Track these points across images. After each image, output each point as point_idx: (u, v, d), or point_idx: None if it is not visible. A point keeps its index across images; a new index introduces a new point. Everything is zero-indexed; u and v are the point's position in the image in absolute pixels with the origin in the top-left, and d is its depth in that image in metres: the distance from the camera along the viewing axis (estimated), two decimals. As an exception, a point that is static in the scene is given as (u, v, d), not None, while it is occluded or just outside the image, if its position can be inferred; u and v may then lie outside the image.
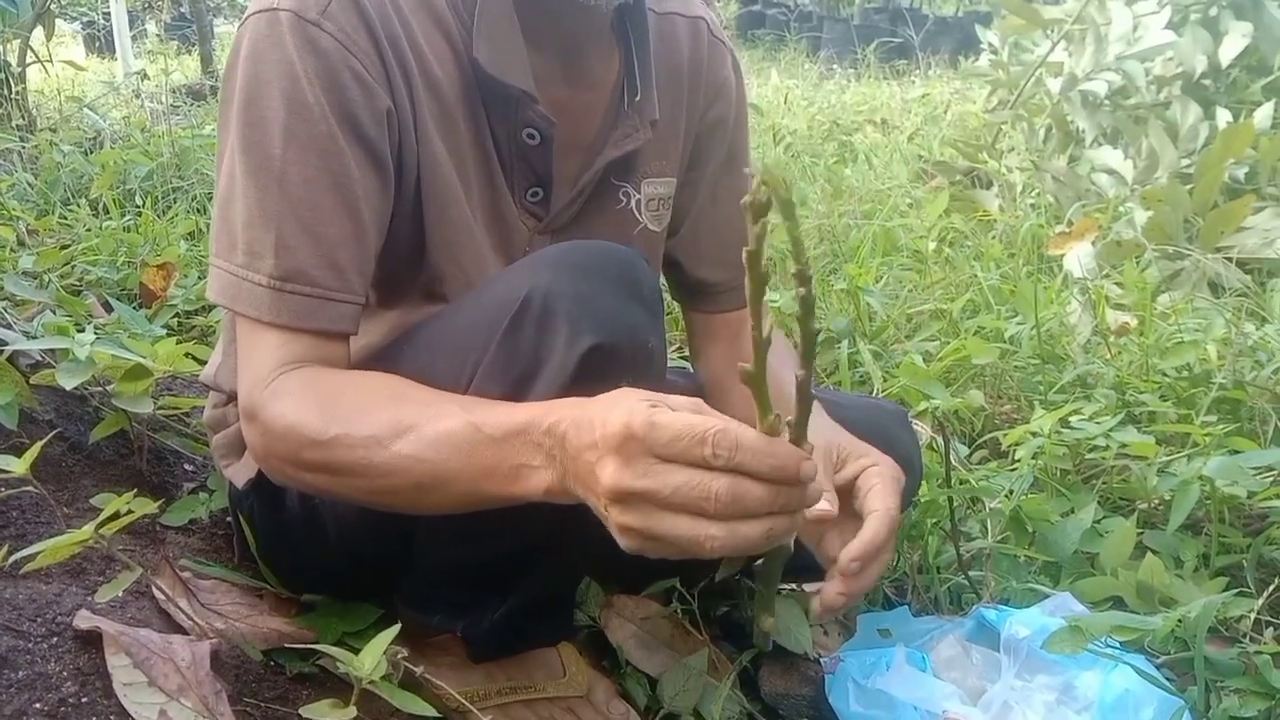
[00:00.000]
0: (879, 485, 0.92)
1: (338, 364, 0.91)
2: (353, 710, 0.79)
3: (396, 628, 0.82)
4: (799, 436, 0.70)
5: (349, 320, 0.91)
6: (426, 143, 0.94)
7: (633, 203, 1.10)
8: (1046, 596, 1.21)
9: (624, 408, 0.68)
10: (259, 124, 0.87)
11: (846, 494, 0.93)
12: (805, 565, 0.94)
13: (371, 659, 0.78)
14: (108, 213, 2.35)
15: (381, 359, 0.94)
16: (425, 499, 0.80)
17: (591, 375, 0.79)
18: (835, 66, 7.33)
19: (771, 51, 7.94)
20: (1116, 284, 2.22)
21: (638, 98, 1.05)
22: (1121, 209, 2.65)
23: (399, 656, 0.81)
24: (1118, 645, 1.09)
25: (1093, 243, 2.47)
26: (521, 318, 0.83)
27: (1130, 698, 1.02)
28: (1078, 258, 2.42)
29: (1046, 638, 1.06)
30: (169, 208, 2.51)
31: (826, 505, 0.85)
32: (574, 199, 1.05)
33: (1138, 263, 2.34)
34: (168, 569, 1.08)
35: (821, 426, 0.98)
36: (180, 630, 1.02)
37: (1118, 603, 1.25)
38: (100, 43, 7.59)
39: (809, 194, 2.90)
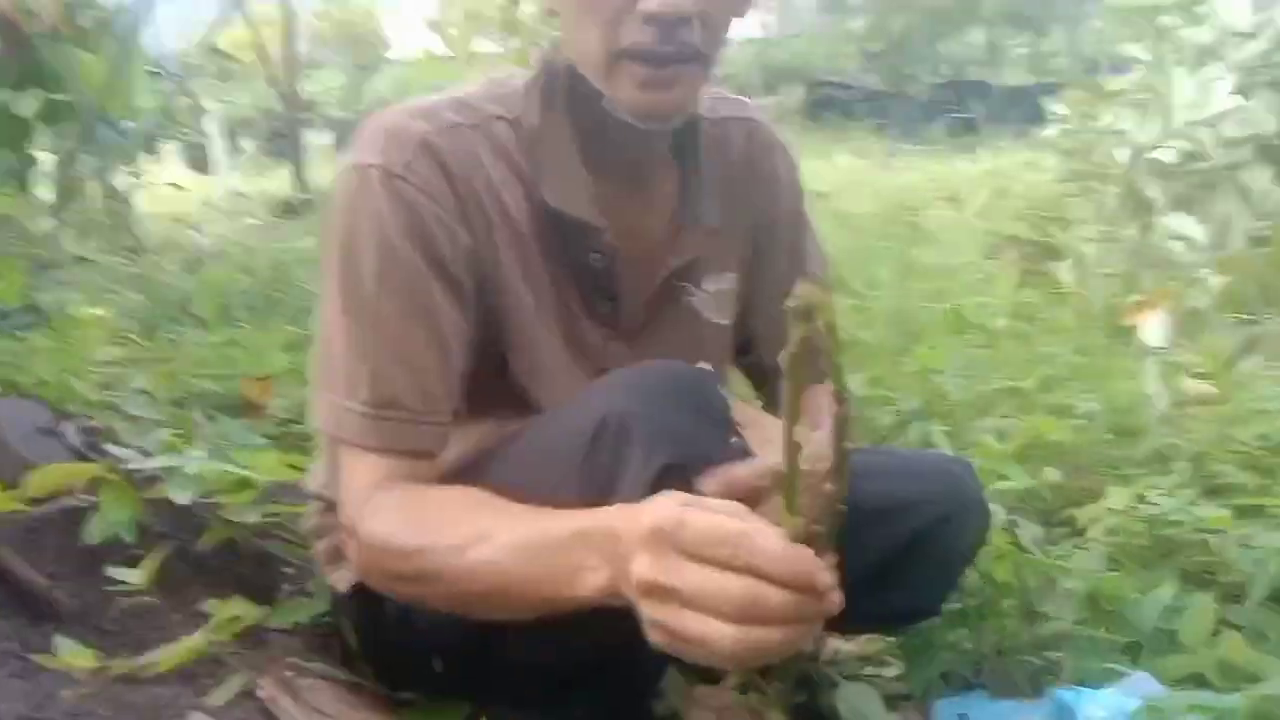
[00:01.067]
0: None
1: (429, 480, 0.99)
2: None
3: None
4: (822, 547, 0.71)
5: (438, 440, 1.00)
6: (505, 273, 1.03)
7: (698, 300, 1.17)
8: (1125, 676, 1.21)
9: (659, 505, 0.73)
10: (354, 270, 0.98)
11: None
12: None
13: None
14: (210, 328, 2.50)
15: (471, 472, 1.01)
16: (501, 604, 0.87)
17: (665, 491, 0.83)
18: (903, 145, 7.39)
19: (839, 133, 8.05)
20: (1195, 353, 2.21)
21: (698, 209, 1.13)
22: (1196, 276, 2.64)
23: None
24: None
25: (1168, 311, 2.47)
26: (599, 439, 0.89)
27: (1211, 779, 1.02)
28: (1153, 328, 2.41)
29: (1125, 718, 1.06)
30: (267, 319, 2.65)
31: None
32: (642, 307, 1.13)
33: (1213, 331, 2.32)
34: (273, 671, 1.15)
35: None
36: (284, 729, 1.09)
37: (1199, 681, 1.25)
38: (199, 158, 8.03)
39: (878, 276, 2.94)
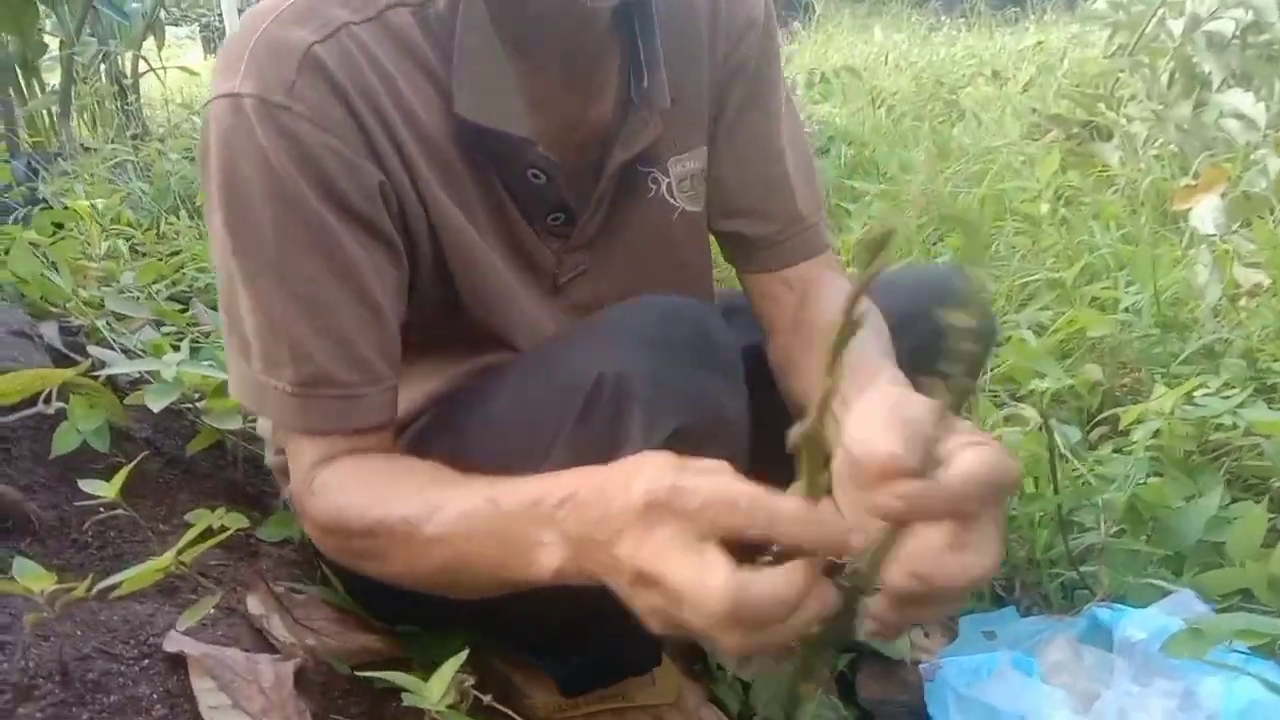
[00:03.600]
0: (971, 456, 0.62)
1: (381, 448, 0.89)
2: (421, 738, 0.78)
3: (464, 654, 0.80)
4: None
5: (382, 409, 0.88)
6: (432, 200, 0.88)
7: (664, 188, 1.02)
8: (1166, 592, 1.13)
9: (646, 474, 0.62)
10: (246, 225, 0.81)
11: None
12: None
13: (440, 686, 0.77)
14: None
15: (441, 432, 0.92)
16: (458, 582, 0.78)
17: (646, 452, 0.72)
18: (944, 18, 7.06)
19: (875, 5, 7.70)
20: (1248, 240, 2.08)
21: (644, 85, 0.94)
22: (1253, 157, 2.47)
23: (465, 684, 0.80)
24: (1244, 651, 1.01)
25: (1221, 195, 2.32)
26: (594, 403, 0.79)
27: (1258, 709, 0.95)
28: (1205, 213, 2.26)
29: (1165, 641, 0.98)
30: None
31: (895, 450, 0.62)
32: (595, 211, 0.98)
33: (1272, 215, 2.18)
34: (261, 585, 1.09)
35: (904, 397, 0.73)
36: (272, 647, 1.04)
37: (1247, 597, 1.17)
38: (217, 44, 7.84)
39: (912, 159, 2.79)
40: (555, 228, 0.96)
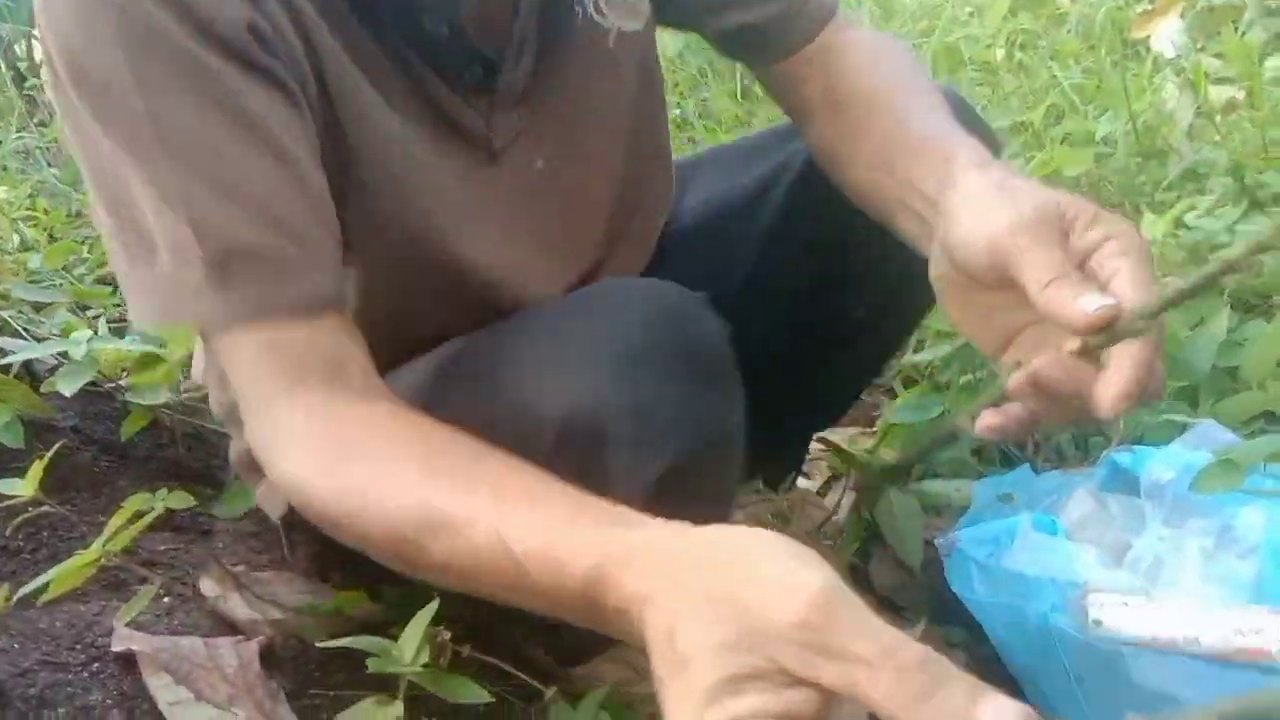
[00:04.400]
0: (1126, 270, 0.63)
1: (340, 341, 0.71)
2: (399, 707, 0.69)
3: (434, 606, 0.71)
4: None
5: (321, 278, 0.70)
6: (318, 48, 0.73)
7: (590, 7, 0.85)
8: (1186, 427, 1.06)
9: (807, 580, 0.46)
10: (107, 93, 0.66)
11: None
12: None
13: (411, 646, 0.68)
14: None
15: None
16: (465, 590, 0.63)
17: (666, 504, 0.57)
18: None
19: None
20: (1215, 56, 1.98)
21: None
22: (1209, -28, 2.36)
23: (440, 639, 0.71)
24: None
25: (1181, 16, 2.21)
26: (564, 447, 0.66)
27: (1303, 534, 0.87)
28: (1167, 36, 2.16)
29: (1194, 477, 0.91)
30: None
31: (1101, 299, 0.61)
32: (518, 55, 0.83)
33: (1236, 27, 2.07)
34: (215, 566, 1.00)
35: (1012, 189, 0.70)
36: (235, 629, 0.95)
37: (1270, 419, 1.09)
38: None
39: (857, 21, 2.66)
40: (477, 85, 0.81)
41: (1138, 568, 0.93)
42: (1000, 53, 2.19)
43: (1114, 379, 0.62)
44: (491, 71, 0.82)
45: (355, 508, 0.64)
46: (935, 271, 0.77)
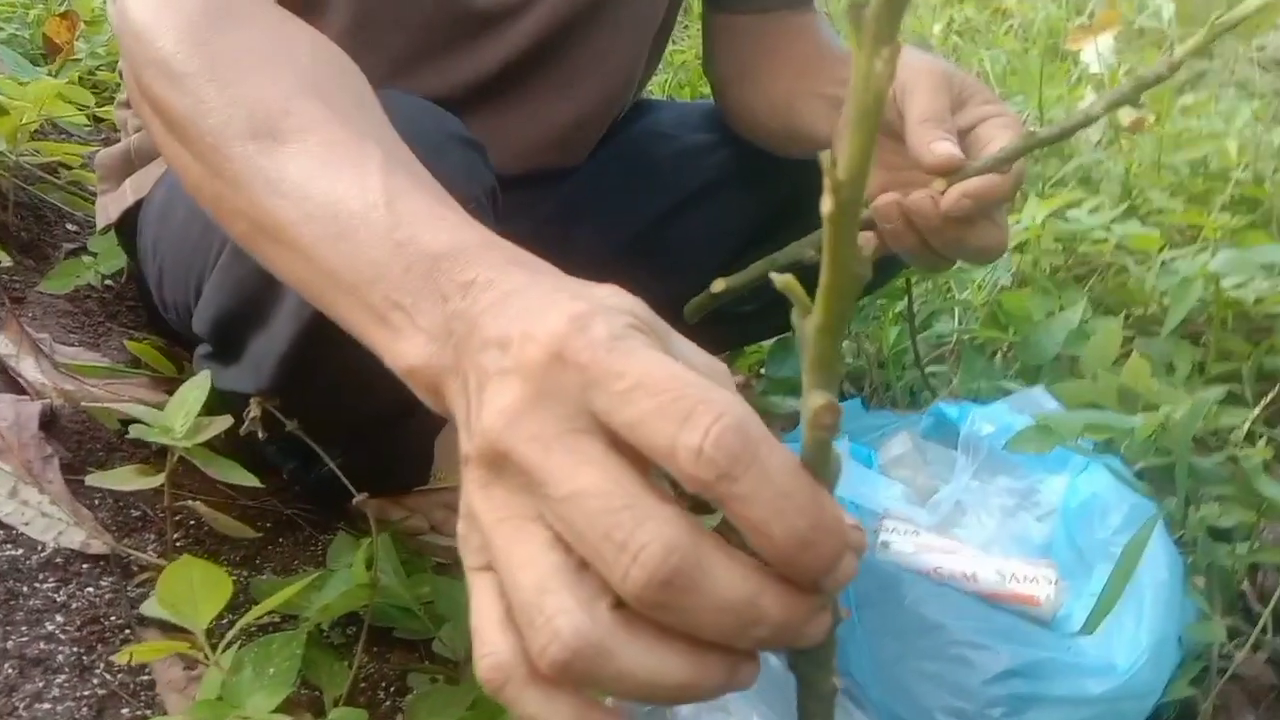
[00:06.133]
0: (1000, 140, 0.72)
1: None
2: (159, 478, 0.66)
3: (206, 377, 0.68)
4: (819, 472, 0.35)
5: None
6: None
7: None
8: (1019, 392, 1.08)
9: (576, 309, 0.35)
10: None
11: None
12: None
13: (182, 418, 0.65)
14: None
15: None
16: (262, 248, 0.51)
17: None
18: None
19: None
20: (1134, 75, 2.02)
21: None
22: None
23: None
24: (1090, 449, 0.97)
25: (1114, 37, 2.25)
26: None
27: (1097, 502, 0.90)
28: (1096, 51, 2.20)
29: (1010, 437, 0.93)
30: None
31: (953, 149, 0.70)
32: None
33: (1161, 51, 2.12)
34: (12, 323, 0.95)
35: (924, 54, 0.78)
36: (23, 392, 0.90)
37: (1095, 409, 1.12)
38: None
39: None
40: None
41: (938, 510, 0.95)
42: (938, 27, 2.20)
43: (967, 185, 0.70)
44: None
45: (205, 67, 0.54)
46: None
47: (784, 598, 0.33)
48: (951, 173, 0.70)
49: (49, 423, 0.86)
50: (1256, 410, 1.10)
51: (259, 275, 0.65)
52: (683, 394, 0.32)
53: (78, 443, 0.87)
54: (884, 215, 0.74)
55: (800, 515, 0.32)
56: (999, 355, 1.24)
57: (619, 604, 0.33)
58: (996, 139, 0.72)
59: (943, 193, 0.70)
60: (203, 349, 0.81)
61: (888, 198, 0.73)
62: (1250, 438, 1.11)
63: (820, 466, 0.35)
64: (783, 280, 0.31)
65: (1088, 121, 0.69)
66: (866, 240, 0.72)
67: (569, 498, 0.33)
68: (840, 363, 0.34)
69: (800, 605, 0.34)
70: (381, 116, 0.54)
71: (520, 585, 0.34)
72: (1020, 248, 1.34)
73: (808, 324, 0.32)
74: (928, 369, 1.15)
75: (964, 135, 0.74)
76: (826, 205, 0.29)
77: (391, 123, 0.53)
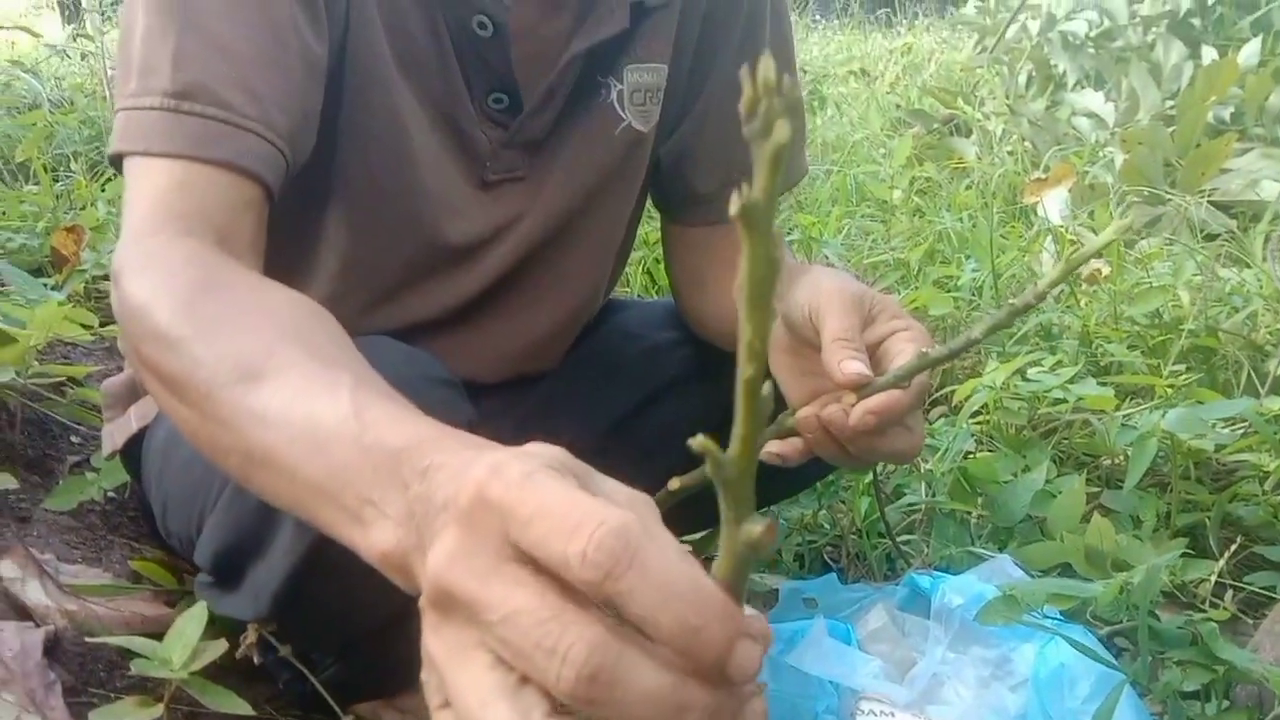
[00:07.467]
0: (907, 354, 0.76)
1: (246, 224, 0.72)
2: (159, 709, 0.70)
3: (203, 608, 0.72)
4: (734, 586, 0.39)
5: (265, 161, 0.73)
6: (359, 16, 0.80)
7: (614, 95, 0.95)
8: (987, 561, 1.12)
9: (496, 458, 0.41)
10: None
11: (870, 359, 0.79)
12: None
13: (177, 649, 0.69)
14: (38, 181, 2.25)
15: None
16: (254, 476, 0.57)
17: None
18: (820, 18, 7.16)
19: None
20: (1089, 229, 2.12)
21: None
22: (1100, 153, 2.54)
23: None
24: (1058, 615, 1.00)
25: (1069, 190, 2.37)
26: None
27: (1066, 672, 0.93)
28: (1053, 204, 2.31)
29: (978, 609, 0.97)
30: (106, 171, 2.40)
31: (861, 368, 0.74)
32: (544, 103, 0.91)
33: (1113, 208, 2.23)
34: (18, 548, 0.99)
35: (839, 276, 0.84)
36: (28, 617, 0.94)
37: (1067, 571, 1.16)
38: (70, 12, 7.44)
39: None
40: (497, 113, 0.90)
41: (915, 685, 0.98)
42: (898, 193, 2.31)
43: (870, 402, 0.74)
44: (514, 108, 0.89)
45: (196, 331, 0.60)
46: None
47: (705, 686, 0.37)
48: (860, 388, 0.75)
49: (52, 647, 0.89)
50: (1220, 563, 1.14)
51: (257, 513, 0.72)
52: (572, 512, 0.38)
53: (80, 664, 0.91)
54: (805, 427, 0.78)
55: (683, 603, 0.36)
56: (970, 519, 1.28)
57: (562, 709, 0.37)
58: (903, 352, 0.76)
59: (854, 405, 0.75)
60: (203, 577, 0.86)
61: (807, 411, 0.78)
62: (1219, 590, 1.15)
63: (742, 580, 0.39)
64: (699, 442, 0.35)
65: (969, 345, 0.74)
66: (792, 448, 0.78)
67: (504, 619, 0.38)
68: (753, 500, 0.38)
69: (723, 693, 0.37)
70: (354, 350, 0.61)
71: (467, 705, 0.38)
72: (983, 409, 1.40)
73: (728, 470, 0.36)
74: (900, 538, 1.20)
75: (874, 349, 0.79)
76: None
77: (374, 368, 0.60)
